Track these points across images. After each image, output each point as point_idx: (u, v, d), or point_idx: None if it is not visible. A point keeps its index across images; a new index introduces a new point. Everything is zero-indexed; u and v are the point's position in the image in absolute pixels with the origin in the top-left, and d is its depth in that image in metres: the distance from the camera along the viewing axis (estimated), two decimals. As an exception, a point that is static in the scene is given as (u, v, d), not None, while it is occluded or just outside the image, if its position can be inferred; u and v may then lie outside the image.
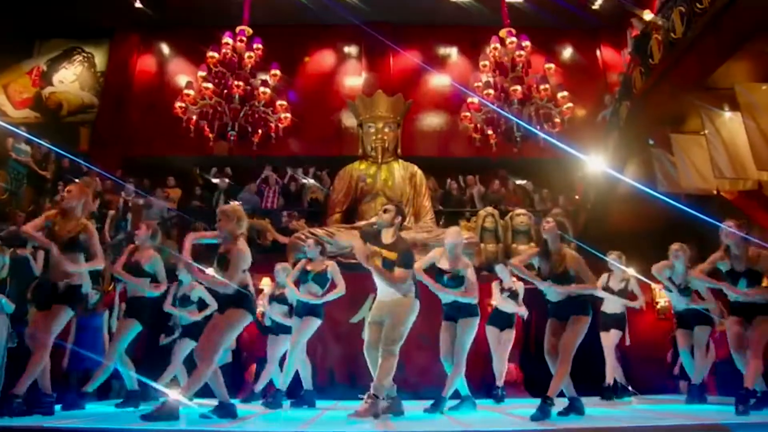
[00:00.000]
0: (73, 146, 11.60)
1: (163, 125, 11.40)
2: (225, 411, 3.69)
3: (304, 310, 5.25)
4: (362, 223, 8.79)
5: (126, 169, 11.22)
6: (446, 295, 4.69)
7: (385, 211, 4.20)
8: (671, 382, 7.89)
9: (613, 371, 6.23)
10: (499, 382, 6.22)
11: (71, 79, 12.83)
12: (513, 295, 6.33)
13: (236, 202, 4.29)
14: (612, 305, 6.31)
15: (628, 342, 6.50)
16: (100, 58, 13.04)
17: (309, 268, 5.41)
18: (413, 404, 4.70)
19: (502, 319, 6.33)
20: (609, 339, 6.20)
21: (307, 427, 3.43)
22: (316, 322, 5.22)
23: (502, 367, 6.27)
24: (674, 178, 8.23)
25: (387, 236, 4.13)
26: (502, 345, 6.29)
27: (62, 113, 12.52)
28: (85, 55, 13.07)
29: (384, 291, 4.06)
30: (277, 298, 5.88)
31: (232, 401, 3.90)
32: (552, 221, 4.12)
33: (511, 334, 6.34)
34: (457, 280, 4.67)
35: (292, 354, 5.10)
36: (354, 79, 12.94)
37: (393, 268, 3.97)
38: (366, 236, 4.18)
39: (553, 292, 4.01)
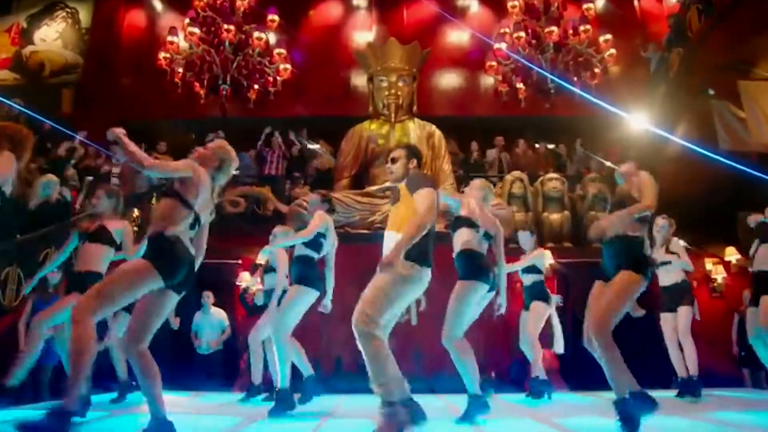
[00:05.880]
0: (56, 109, 10.59)
1: (153, 86, 10.42)
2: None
3: (295, 279, 4.07)
4: (373, 188, 7.74)
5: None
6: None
7: (393, 160, 3.09)
8: (734, 370, 6.90)
9: (694, 360, 5.08)
10: (534, 372, 5.16)
11: (54, 36, 11.69)
12: (533, 268, 5.28)
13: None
14: (667, 275, 5.09)
15: (698, 317, 5.33)
16: (84, 14, 11.84)
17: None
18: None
19: (529, 296, 5.29)
20: (681, 319, 5.04)
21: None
22: (308, 294, 3.98)
23: (535, 353, 5.19)
24: (740, 133, 7.07)
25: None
26: (532, 320, 5.17)
27: (45, 74, 11.42)
28: (69, 10, 11.90)
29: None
30: (273, 269, 4.87)
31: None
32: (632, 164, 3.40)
33: (540, 307, 5.21)
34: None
35: (277, 339, 3.89)
36: (363, 34, 11.67)
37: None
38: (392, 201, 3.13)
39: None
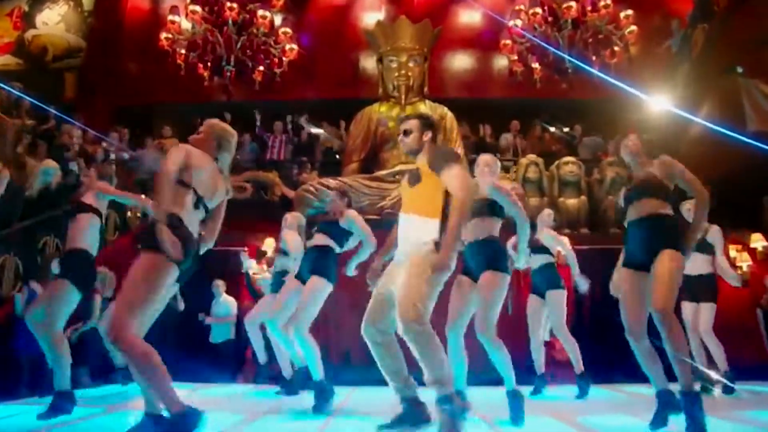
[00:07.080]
0: (60, 94, 10.42)
1: (157, 69, 10.18)
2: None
3: (312, 269, 3.87)
4: (384, 172, 7.48)
5: (116, 119, 10.02)
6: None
7: (405, 132, 2.81)
8: (762, 361, 6.57)
9: (722, 357, 4.76)
10: (578, 369, 4.80)
11: (56, 20, 11.47)
12: (544, 249, 4.86)
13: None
14: (693, 263, 4.53)
15: None
16: (87, -4, 11.64)
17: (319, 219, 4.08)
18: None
19: (542, 281, 4.79)
20: (703, 316, 4.70)
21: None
22: (326, 287, 3.83)
23: (570, 346, 4.84)
24: (771, 113, 6.70)
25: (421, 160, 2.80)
26: (555, 312, 4.80)
27: (47, 58, 11.23)
28: (71, -8, 11.68)
29: (404, 242, 2.67)
30: (285, 252, 4.65)
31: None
32: (636, 140, 3.16)
33: (560, 295, 4.77)
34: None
35: (298, 331, 3.73)
36: (373, 14, 11.32)
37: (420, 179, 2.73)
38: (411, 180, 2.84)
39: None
